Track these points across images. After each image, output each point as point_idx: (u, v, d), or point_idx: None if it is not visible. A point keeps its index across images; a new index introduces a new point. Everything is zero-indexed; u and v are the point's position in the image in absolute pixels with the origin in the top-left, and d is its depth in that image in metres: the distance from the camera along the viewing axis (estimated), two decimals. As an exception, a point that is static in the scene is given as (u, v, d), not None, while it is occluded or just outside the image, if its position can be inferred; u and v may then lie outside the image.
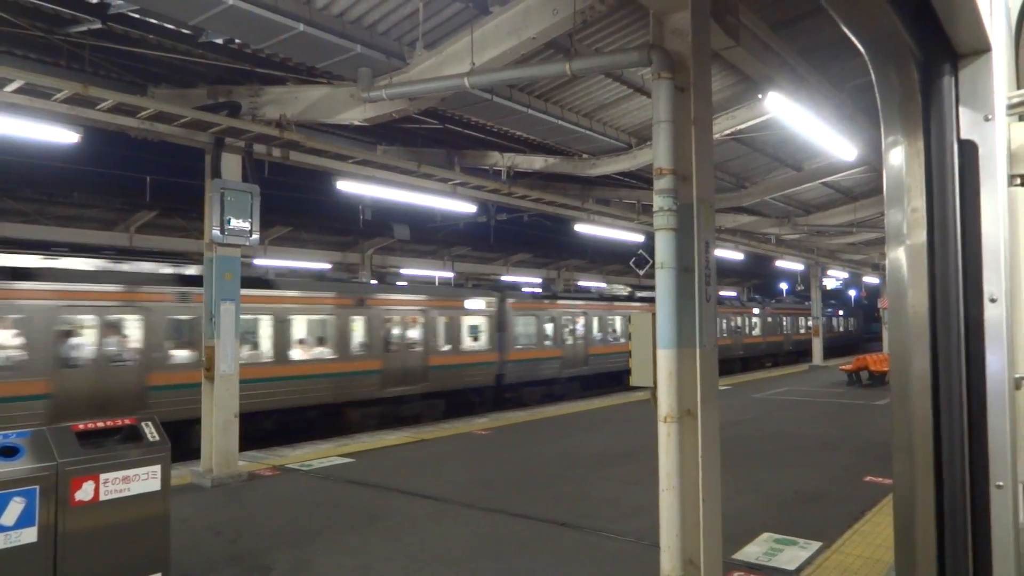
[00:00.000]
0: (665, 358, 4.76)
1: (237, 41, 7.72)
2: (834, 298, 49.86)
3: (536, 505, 7.54)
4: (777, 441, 11.41)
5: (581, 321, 22.78)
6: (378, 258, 20.77)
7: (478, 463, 9.91)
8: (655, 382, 4.88)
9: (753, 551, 6.02)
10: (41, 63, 8.30)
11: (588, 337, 22.97)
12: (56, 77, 7.48)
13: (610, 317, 24.29)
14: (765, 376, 24.94)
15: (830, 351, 36.01)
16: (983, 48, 1.92)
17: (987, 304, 1.91)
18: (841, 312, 47.41)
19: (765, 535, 6.43)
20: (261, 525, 6.93)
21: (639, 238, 17.96)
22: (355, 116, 8.55)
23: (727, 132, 10.35)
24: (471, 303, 18.74)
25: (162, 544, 4.86)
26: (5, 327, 10.57)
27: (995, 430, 1.89)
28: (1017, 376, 1.92)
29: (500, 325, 19.43)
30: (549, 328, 21.43)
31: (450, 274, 24.12)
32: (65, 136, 7.99)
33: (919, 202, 2.02)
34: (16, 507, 4.13)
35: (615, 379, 22.71)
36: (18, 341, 10.59)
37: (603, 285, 30.39)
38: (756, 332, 34.14)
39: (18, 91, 7.18)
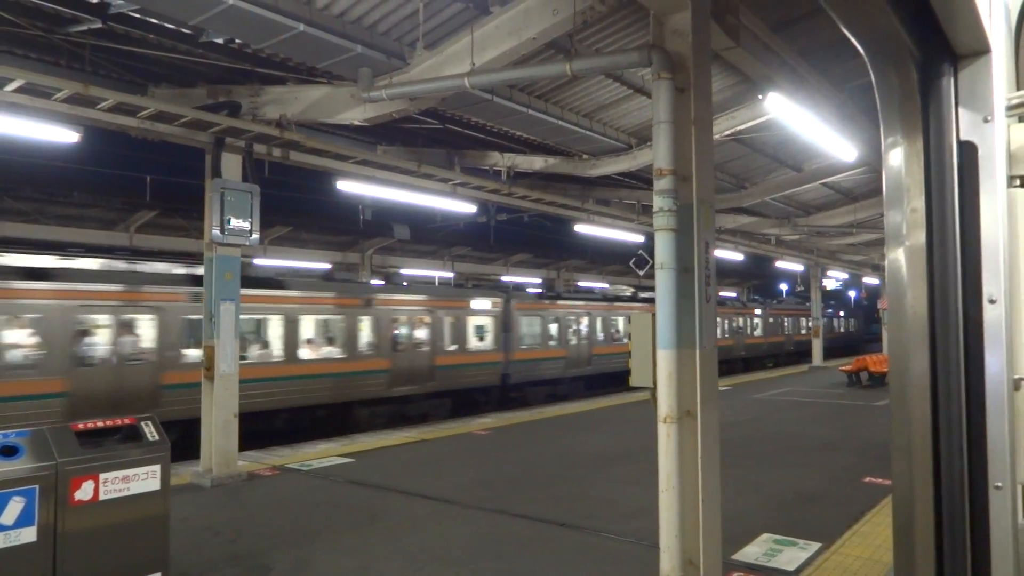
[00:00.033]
0: (665, 359, 4.76)
1: (237, 41, 7.72)
2: (834, 299, 49.91)
3: (536, 505, 7.54)
4: (777, 442, 11.41)
5: (585, 321, 22.87)
6: (378, 258, 20.77)
7: (478, 463, 9.91)
8: (655, 383, 4.89)
9: (753, 552, 6.02)
10: (41, 62, 8.31)
11: (592, 337, 23.06)
12: (56, 77, 7.48)
13: (614, 317, 24.34)
14: (765, 377, 24.94)
15: (831, 352, 36.07)
16: (983, 49, 1.92)
17: (986, 305, 1.91)
18: (842, 313, 47.47)
19: (765, 536, 6.43)
20: (261, 525, 6.93)
21: (639, 238, 17.96)
22: (355, 116, 8.55)
23: (727, 133, 10.35)
24: (477, 303, 18.87)
25: (162, 544, 4.86)
26: (23, 326, 10.74)
27: (994, 431, 1.89)
28: (1016, 377, 1.92)
29: (505, 325, 19.57)
30: (554, 328, 21.55)
31: (450, 274, 24.12)
32: (65, 136, 8.00)
33: (918, 203, 2.02)
34: (16, 506, 4.13)
35: (619, 379, 22.70)
36: (36, 340, 10.77)
37: (605, 286, 30.40)
38: (758, 333, 34.29)
39: (18, 90, 7.19)
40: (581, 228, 16.24)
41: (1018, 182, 1.99)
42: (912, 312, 2.04)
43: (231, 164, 8.99)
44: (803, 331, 38.23)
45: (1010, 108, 1.98)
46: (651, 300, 26.35)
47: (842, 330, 46.77)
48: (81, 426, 4.69)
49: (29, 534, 4.18)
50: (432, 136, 12.01)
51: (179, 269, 13.30)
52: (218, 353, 8.77)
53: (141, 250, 14.77)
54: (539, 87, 9.63)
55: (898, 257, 2.08)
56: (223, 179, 8.82)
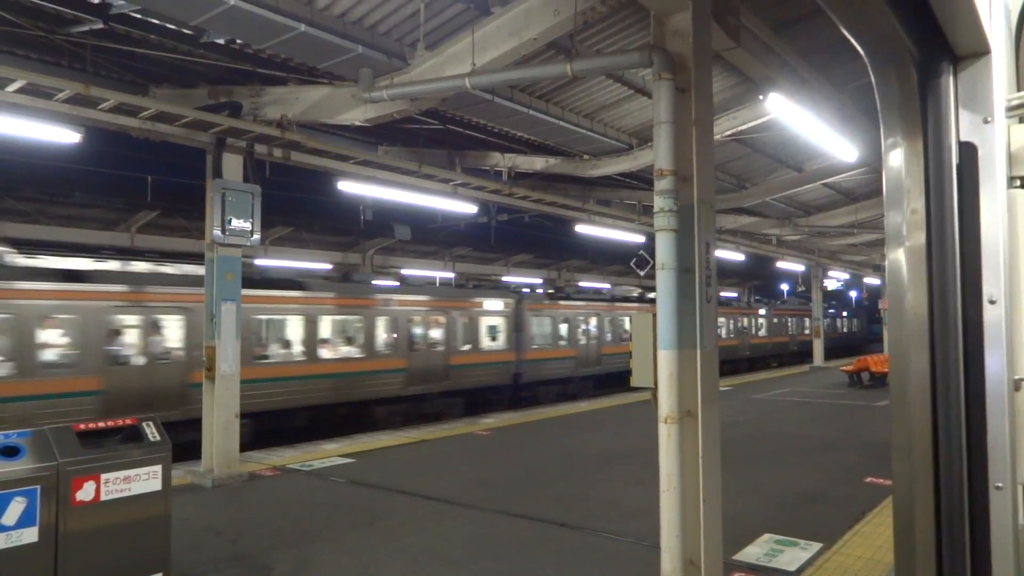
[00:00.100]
0: (666, 359, 4.77)
1: (238, 41, 7.73)
2: (835, 299, 49.94)
3: (537, 505, 7.54)
4: (778, 442, 11.41)
5: (594, 322, 23.09)
6: (379, 258, 20.78)
7: (479, 463, 9.91)
8: (656, 383, 4.89)
9: (754, 552, 6.02)
10: (43, 63, 8.32)
11: (601, 337, 23.25)
12: (58, 77, 7.49)
13: (621, 318, 24.45)
14: (766, 377, 24.94)
15: (833, 352, 36.16)
16: (982, 50, 1.92)
17: (986, 306, 1.91)
18: (845, 313, 47.55)
19: (766, 536, 6.43)
20: (262, 525, 6.94)
21: (640, 239, 17.96)
22: (356, 116, 8.56)
23: (728, 133, 10.35)
24: (490, 304, 19.14)
25: (163, 544, 4.86)
26: (61, 326, 11.07)
27: (994, 431, 1.90)
28: (1016, 377, 1.92)
29: (517, 326, 19.83)
30: (564, 328, 21.78)
31: (451, 275, 24.14)
32: (66, 136, 8.00)
33: (919, 204, 2.02)
34: (17, 507, 4.14)
35: (627, 379, 22.83)
36: (73, 339, 11.09)
37: (606, 286, 30.40)
38: (762, 333, 34.48)
39: (20, 91, 7.20)
40: (582, 228, 16.24)
41: (1018, 183, 1.99)
42: (912, 312, 2.04)
43: (232, 164, 9.00)
44: (806, 331, 38.33)
45: (1010, 109, 1.98)
46: (656, 300, 27.08)
47: (845, 330, 46.88)
48: (82, 426, 4.70)
49: (31, 534, 4.19)
50: (433, 136, 12.02)
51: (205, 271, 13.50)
52: (219, 353, 8.78)
53: (170, 252, 14.95)
54: (540, 87, 9.63)
55: (898, 258, 2.08)
56: (224, 179, 8.83)
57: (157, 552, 4.82)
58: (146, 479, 4.74)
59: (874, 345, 44.38)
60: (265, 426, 13.31)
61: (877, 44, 1.97)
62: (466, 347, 18.26)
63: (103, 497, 4.52)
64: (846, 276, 35.52)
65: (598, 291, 27.95)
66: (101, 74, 8.68)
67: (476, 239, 24.24)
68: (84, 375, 11.04)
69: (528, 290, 24.17)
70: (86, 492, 4.45)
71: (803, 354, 36.21)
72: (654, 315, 4.87)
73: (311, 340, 14.53)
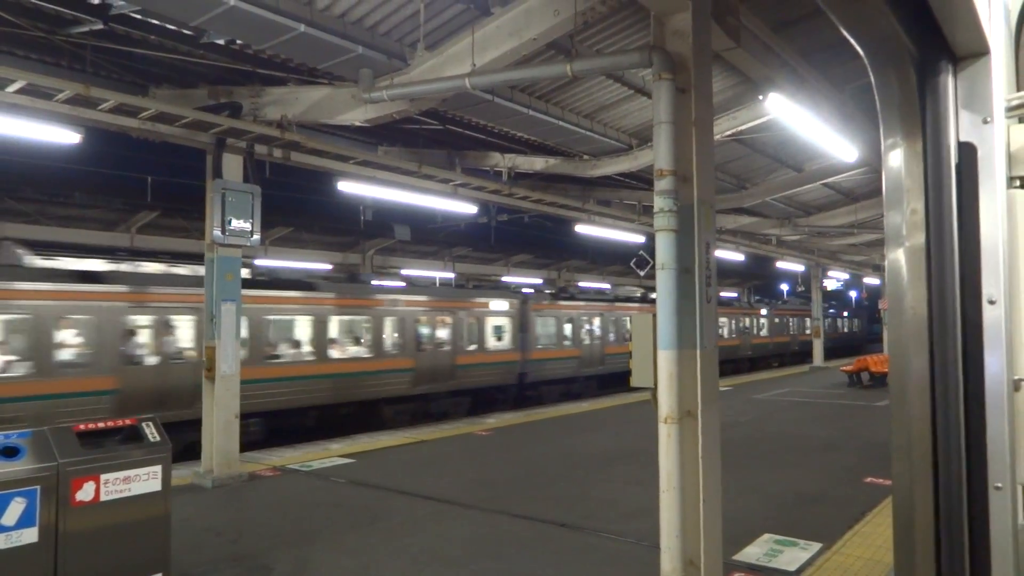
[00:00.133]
0: (666, 359, 4.77)
1: (238, 42, 7.73)
2: (836, 299, 49.96)
3: (536, 505, 7.54)
4: (778, 442, 11.41)
5: (597, 322, 23.21)
6: (379, 259, 20.79)
7: (478, 464, 9.91)
8: (656, 383, 4.89)
9: (753, 552, 6.02)
10: (43, 64, 8.32)
11: (604, 337, 23.36)
12: (58, 78, 7.49)
13: (625, 318, 24.53)
14: (766, 377, 24.94)
15: (834, 352, 36.21)
16: (982, 50, 1.93)
17: (986, 306, 1.91)
18: (845, 313, 47.61)
19: (765, 536, 6.43)
20: (262, 525, 6.94)
21: (640, 239, 17.96)
22: (356, 117, 8.56)
23: (728, 133, 10.35)
24: (495, 304, 19.29)
25: (163, 544, 4.86)
26: (77, 327, 11.24)
27: (994, 431, 1.90)
28: (1016, 378, 1.92)
29: (522, 326, 20.00)
30: (568, 329, 21.93)
31: (451, 275, 24.16)
32: (66, 136, 8.01)
33: (918, 204, 2.02)
34: (17, 507, 4.14)
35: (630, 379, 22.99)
36: (89, 340, 11.25)
37: (606, 286, 30.41)
38: (764, 333, 34.61)
39: (20, 91, 7.20)
40: (582, 228, 16.25)
41: (1018, 183, 1.99)
42: (912, 313, 2.04)
43: (232, 165, 9.00)
44: (807, 331, 38.39)
45: (1010, 109, 1.98)
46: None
47: (846, 330, 46.92)
48: (82, 427, 4.70)
49: (30, 535, 4.19)
50: (433, 137, 12.02)
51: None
52: (219, 354, 8.78)
53: (182, 253, 15.03)
54: (540, 88, 9.63)
55: (898, 258, 2.08)
56: (224, 180, 8.83)
57: (157, 552, 4.82)
58: (146, 479, 4.74)
59: (874, 345, 44.40)
60: (276, 425, 13.50)
61: (877, 44, 1.97)
62: (472, 347, 18.42)
63: (103, 497, 4.52)
64: (846, 276, 35.57)
65: (602, 291, 28.01)
66: (101, 75, 8.68)
67: (476, 239, 24.26)
68: (100, 375, 11.22)
69: (533, 290, 24.23)
70: (86, 492, 4.45)
71: (804, 354, 36.24)
72: (654, 315, 4.87)
73: (321, 340, 14.72)
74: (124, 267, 12.64)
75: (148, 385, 11.72)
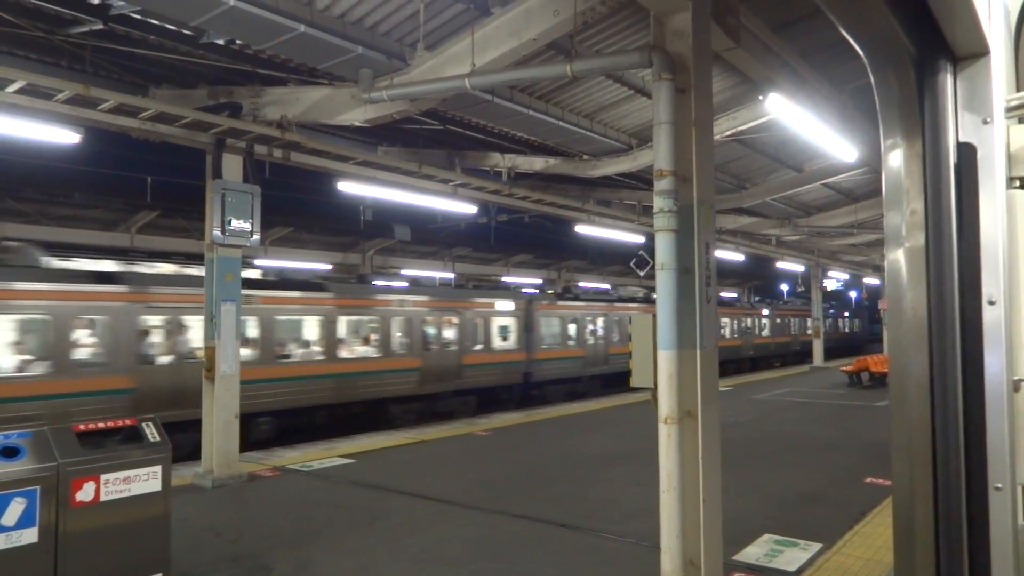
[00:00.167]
0: (665, 359, 4.77)
1: (238, 42, 7.73)
2: (836, 299, 49.97)
3: (536, 506, 7.54)
4: (778, 442, 11.41)
5: (601, 322, 23.33)
6: (379, 259, 20.78)
7: (478, 464, 9.91)
8: (655, 383, 4.89)
9: (754, 552, 6.02)
10: (42, 64, 8.31)
11: (608, 337, 23.46)
12: (57, 78, 7.49)
13: (628, 318, 24.50)
14: (766, 377, 24.95)
15: (835, 352, 36.23)
16: (982, 51, 1.93)
17: (986, 306, 1.91)
18: (846, 313, 47.67)
19: (766, 536, 6.43)
20: (262, 526, 6.94)
21: (640, 239, 17.96)
22: (356, 117, 8.56)
23: (728, 133, 10.35)
24: (501, 305, 19.48)
25: (163, 545, 4.86)
26: (95, 327, 11.44)
27: (994, 432, 1.90)
28: (1016, 378, 1.92)
29: (528, 326, 20.18)
30: (572, 329, 22.06)
31: (451, 275, 24.17)
32: (66, 137, 8.01)
33: (918, 204, 2.02)
34: (17, 507, 4.14)
35: None
36: (106, 339, 11.45)
37: (607, 286, 30.42)
38: (766, 333, 34.76)
39: (20, 92, 7.20)
40: (582, 229, 16.25)
41: (1018, 183, 1.99)
42: (912, 313, 2.04)
43: (232, 165, 9.00)
44: (809, 332, 38.47)
45: (1009, 110, 1.98)
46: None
47: (847, 330, 46.97)
48: (82, 427, 4.70)
49: (30, 535, 4.19)
50: (433, 137, 12.02)
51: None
52: (219, 354, 8.78)
53: (195, 254, 15.08)
54: (540, 88, 9.63)
55: (898, 258, 2.08)
56: (224, 180, 8.83)
57: (157, 552, 4.82)
58: (146, 479, 4.74)
59: (875, 345, 44.40)
60: (287, 424, 13.66)
61: (876, 45, 1.97)
62: (478, 347, 18.61)
63: (103, 497, 4.53)
64: (846, 276, 35.60)
65: (605, 292, 28.08)
66: (101, 75, 8.68)
67: (476, 239, 24.26)
68: (117, 374, 11.39)
69: (537, 291, 24.32)
70: (86, 492, 4.45)
71: (805, 354, 36.28)
72: (654, 315, 4.87)
73: (331, 340, 14.90)
74: (138, 268, 12.81)
75: (163, 384, 11.88)
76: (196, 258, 14.13)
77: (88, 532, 4.45)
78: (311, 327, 14.90)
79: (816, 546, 6.15)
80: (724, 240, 20.28)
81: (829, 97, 8.97)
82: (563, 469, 9.45)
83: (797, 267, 28.45)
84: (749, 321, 32.92)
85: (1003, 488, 1.88)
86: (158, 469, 4.80)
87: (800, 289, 36.53)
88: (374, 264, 20.52)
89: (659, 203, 4.73)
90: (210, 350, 8.83)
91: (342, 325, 15.31)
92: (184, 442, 11.07)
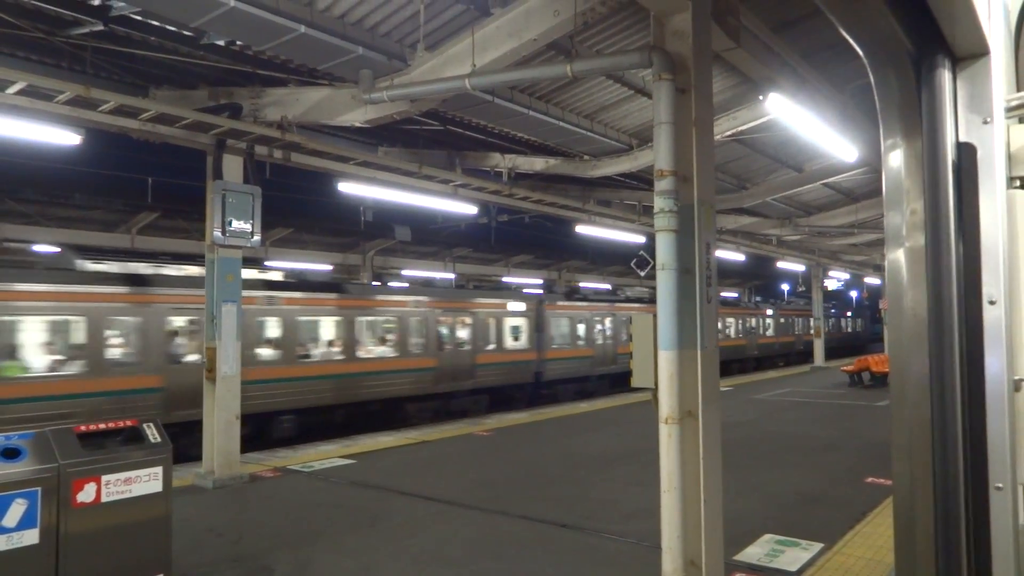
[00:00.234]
0: (666, 359, 4.76)
1: (238, 43, 7.73)
2: (838, 299, 50.00)
3: (537, 506, 7.54)
4: (778, 442, 11.40)
5: (609, 322, 23.51)
6: (379, 259, 20.79)
7: (479, 464, 9.91)
8: (656, 383, 4.89)
9: (755, 552, 6.02)
10: (43, 65, 8.31)
11: (616, 337, 23.61)
12: (58, 79, 7.49)
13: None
14: (767, 377, 24.94)
15: (836, 351, 36.30)
16: (982, 51, 1.92)
17: (986, 306, 1.91)
18: (848, 313, 47.75)
19: (767, 536, 6.43)
20: (263, 526, 6.94)
21: (640, 239, 17.95)
22: (356, 118, 8.56)
23: (728, 133, 10.34)
24: (513, 305, 19.75)
25: (164, 545, 4.87)
26: (127, 328, 11.76)
27: (994, 432, 1.90)
28: (1016, 378, 1.92)
29: (538, 326, 20.41)
30: (581, 329, 22.29)
31: (451, 275, 24.18)
32: (67, 138, 8.01)
33: (918, 204, 2.02)
34: (18, 509, 4.14)
35: None
36: (137, 340, 11.77)
37: (607, 287, 30.41)
38: (770, 333, 34.99)
39: (20, 93, 7.20)
40: (582, 229, 16.25)
41: (1018, 183, 1.99)
42: (912, 313, 2.04)
43: (232, 166, 9.00)
44: (812, 331, 38.57)
45: (1009, 110, 1.98)
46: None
47: (848, 330, 47.05)
48: (83, 428, 4.70)
49: (31, 536, 4.19)
50: (433, 137, 12.02)
51: (250, 272, 13.99)
52: (219, 355, 8.77)
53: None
54: (540, 88, 9.63)
55: (898, 258, 2.08)
56: (224, 181, 8.83)
57: (158, 553, 4.83)
58: (147, 480, 4.74)
59: (877, 345, 44.40)
60: (308, 422, 13.89)
61: (876, 45, 1.97)
62: (491, 347, 18.84)
63: (104, 499, 4.53)
64: (846, 276, 35.62)
65: (612, 292, 28.13)
66: (101, 76, 8.68)
67: (476, 240, 24.26)
68: (147, 373, 11.68)
69: (542, 291, 24.38)
70: (87, 494, 4.46)
71: (808, 353, 36.36)
72: (654, 315, 4.86)
73: (351, 340, 15.14)
74: (166, 270, 13.09)
75: (190, 383, 12.00)
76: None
77: (89, 533, 4.46)
78: (331, 327, 15.14)
79: (817, 546, 6.15)
80: (724, 240, 20.28)
81: (829, 97, 8.97)
82: (564, 469, 9.44)
83: (798, 267, 28.46)
84: (753, 321, 33.14)
85: (1004, 488, 1.88)
86: (159, 470, 4.81)
87: (801, 289, 36.54)
88: (374, 265, 20.52)
89: (659, 203, 4.73)
90: (211, 351, 8.84)
91: (361, 326, 15.60)
92: None
